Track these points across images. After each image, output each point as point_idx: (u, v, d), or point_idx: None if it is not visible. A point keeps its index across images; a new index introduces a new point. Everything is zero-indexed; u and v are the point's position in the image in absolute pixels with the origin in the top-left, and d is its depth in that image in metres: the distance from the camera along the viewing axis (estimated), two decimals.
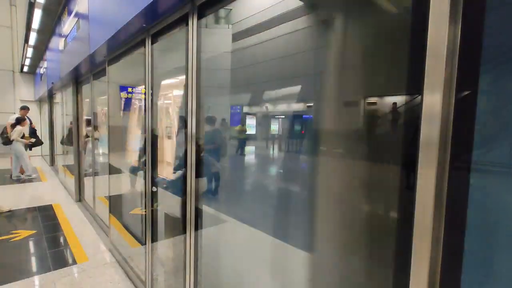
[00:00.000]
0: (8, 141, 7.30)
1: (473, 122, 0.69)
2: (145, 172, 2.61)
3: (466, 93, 0.68)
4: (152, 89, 2.56)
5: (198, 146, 1.95)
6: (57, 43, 6.12)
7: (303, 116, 1.65)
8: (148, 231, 2.64)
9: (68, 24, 4.99)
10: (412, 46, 0.78)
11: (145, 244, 2.68)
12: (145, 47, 2.53)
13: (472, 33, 0.68)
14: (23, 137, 7.60)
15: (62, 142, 8.33)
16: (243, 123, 2.10)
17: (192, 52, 1.90)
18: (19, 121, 7.52)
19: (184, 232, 2.06)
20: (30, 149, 8.17)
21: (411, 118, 0.80)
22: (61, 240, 4.01)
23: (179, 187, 2.19)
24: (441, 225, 0.70)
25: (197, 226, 1.99)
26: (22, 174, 7.96)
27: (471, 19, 0.68)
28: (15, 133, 7.33)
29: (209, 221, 2.15)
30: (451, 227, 0.69)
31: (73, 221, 4.76)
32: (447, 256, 0.69)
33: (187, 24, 1.92)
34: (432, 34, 0.72)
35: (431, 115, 0.71)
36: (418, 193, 0.73)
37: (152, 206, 2.59)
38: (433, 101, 0.71)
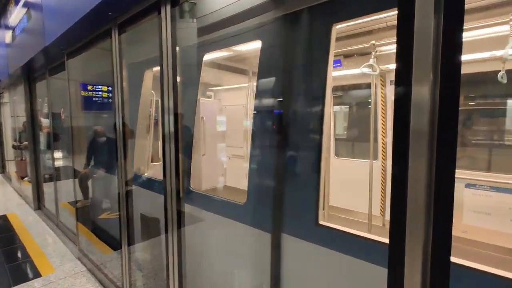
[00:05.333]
0: None
1: (457, 112, 0.70)
2: (118, 172, 2.44)
3: (450, 84, 0.70)
4: (121, 85, 2.39)
5: (176, 144, 1.86)
6: (3, 36, 5.50)
7: None
8: (124, 235, 2.49)
9: (15, 14, 4.49)
10: (399, 39, 0.79)
11: (121, 248, 2.53)
12: (111, 38, 2.35)
13: (454, 26, 0.70)
14: None
15: (14, 147, 7.56)
16: None
17: (166, 44, 1.80)
18: None
19: (166, 232, 1.97)
20: None
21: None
22: (21, 252, 3.64)
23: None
24: (430, 214, 0.73)
25: (180, 225, 1.91)
26: None
27: (453, 12, 0.70)
28: None
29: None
30: (440, 215, 0.72)
31: (34, 231, 4.35)
32: (438, 241, 0.72)
33: (159, 13, 1.81)
34: (419, 27, 0.73)
35: (420, 106, 0.73)
36: (410, 183, 0.75)
37: (127, 207, 2.44)
38: (422, 92, 0.72)
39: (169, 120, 1.84)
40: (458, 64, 0.70)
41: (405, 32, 0.75)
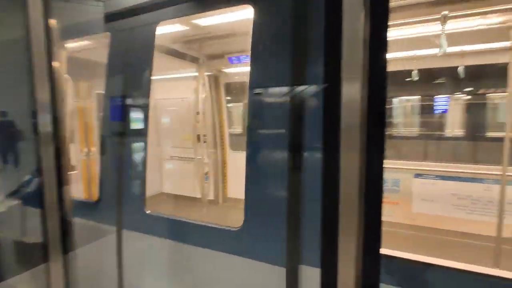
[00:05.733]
0: None
1: (384, 107, 0.72)
2: None
3: (378, 80, 0.72)
4: None
5: (58, 148, 1.49)
6: None
7: None
8: None
9: None
10: (328, 36, 0.80)
11: None
12: None
13: (380, 23, 0.71)
14: None
15: None
16: None
17: (36, 16, 1.40)
18: None
19: (48, 260, 1.55)
20: None
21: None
22: None
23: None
24: (361, 202, 0.73)
25: (66, 248, 1.52)
26: None
27: (379, 10, 0.71)
28: None
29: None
30: (371, 202, 0.73)
31: None
32: (369, 226, 0.74)
33: None
34: (347, 24, 0.72)
35: (350, 101, 0.73)
36: (342, 174, 0.74)
37: None
38: (352, 88, 0.73)
39: (44, 118, 1.46)
40: (385, 61, 0.73)
41: (333, 31, 0.76)
